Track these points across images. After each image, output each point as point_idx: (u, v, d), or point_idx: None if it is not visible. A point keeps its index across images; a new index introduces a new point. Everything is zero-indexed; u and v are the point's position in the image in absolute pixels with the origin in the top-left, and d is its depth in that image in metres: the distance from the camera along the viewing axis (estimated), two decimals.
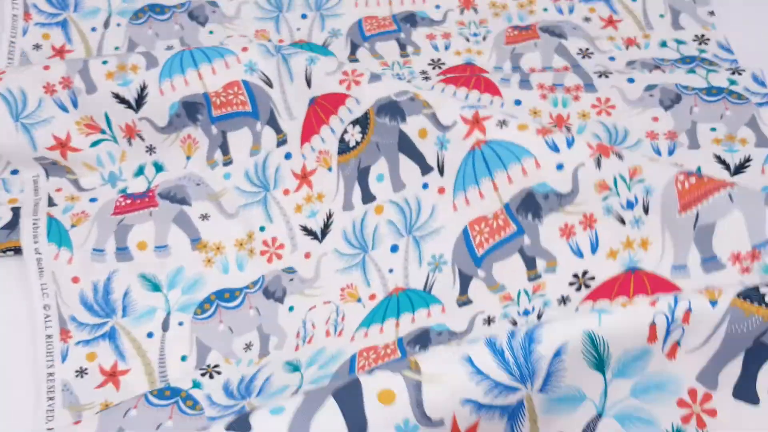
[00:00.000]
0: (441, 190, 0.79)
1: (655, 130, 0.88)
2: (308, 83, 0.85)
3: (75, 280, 0.81)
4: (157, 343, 0.78)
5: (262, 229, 0.83)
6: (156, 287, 0.81)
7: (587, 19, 1.02)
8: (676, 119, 0.88)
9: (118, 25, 1.01)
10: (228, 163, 0.87)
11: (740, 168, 0.83)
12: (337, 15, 1.03)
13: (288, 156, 0.86)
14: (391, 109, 0.81)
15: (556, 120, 0.90)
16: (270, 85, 0.86)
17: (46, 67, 0.87)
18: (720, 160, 0.84)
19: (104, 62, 0.87)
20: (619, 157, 0.71)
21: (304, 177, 0.84)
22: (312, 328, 0.77)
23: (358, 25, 1.01)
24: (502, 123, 0.76)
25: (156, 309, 0.80)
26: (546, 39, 0.99)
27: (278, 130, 0.87)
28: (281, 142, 0.86)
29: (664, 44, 0.99)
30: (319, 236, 0.82)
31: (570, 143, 0.72)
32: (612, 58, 0.97)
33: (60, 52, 0.98)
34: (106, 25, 1.01)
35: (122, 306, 0.80)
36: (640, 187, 0.69)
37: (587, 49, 0.98)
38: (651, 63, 0.96)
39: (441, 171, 0.79)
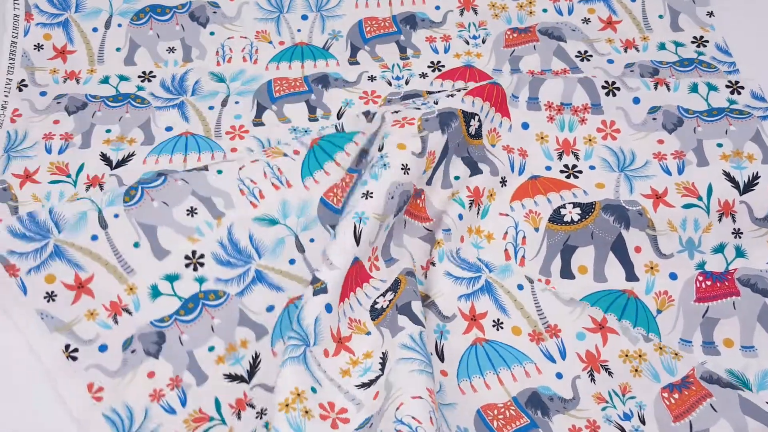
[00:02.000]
0: (444, 373, 0.78)
1: (662, 151, 0.88)
2: (357, 240, 0.79)
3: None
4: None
5: (313, 390, 0.73)
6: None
7: (586, 20, 1.02)
8: (681, 140, 0.89)
9: (119, 25, 1.01)
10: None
11: (749, 186, 0.84)
12: (337, 16, 1.03)
13: (329, 309, 0.77)
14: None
15: (563, 145, 0.90)
16: None
17: (56, 122, 0.92)
18: (729, 178, 0.85)
19: (108, 131, 0.92)
20: (609, 373, 0.76)
21: (340, 342, 0.78)
22: None
23: (358, 27, 1.02)
24: (497, 324, 0.80)
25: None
26: (545, 41, 0.99)
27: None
28: (319, 291, 0.77)
29: (662, 46, 0.99)
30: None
31: (563, 355, 0.78)
32: (611, 61, 0.98)
33: (61, 53, 0.99)
34: (108, 25, 1.01)
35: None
36: (632, 402, 0.76)
37: (586, 52, 0.99)
38: (650, 66, 0.96)
39: (441, 357, 0.79)
